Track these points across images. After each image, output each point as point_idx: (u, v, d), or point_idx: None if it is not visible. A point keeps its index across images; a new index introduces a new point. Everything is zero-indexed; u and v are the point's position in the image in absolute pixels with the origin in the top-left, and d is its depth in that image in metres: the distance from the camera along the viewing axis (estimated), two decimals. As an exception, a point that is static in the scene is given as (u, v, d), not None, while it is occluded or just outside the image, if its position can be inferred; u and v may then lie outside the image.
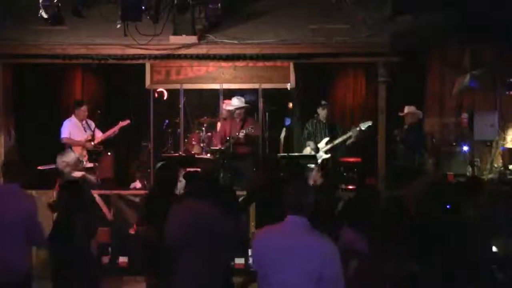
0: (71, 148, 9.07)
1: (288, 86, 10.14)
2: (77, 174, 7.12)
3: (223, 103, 9.77)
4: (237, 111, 9.08)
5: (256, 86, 10.23)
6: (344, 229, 4.86)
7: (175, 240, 4.80)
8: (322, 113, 9.23)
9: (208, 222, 4.72)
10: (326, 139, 9.10)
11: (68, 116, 9.31)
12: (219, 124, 9.93)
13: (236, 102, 9.19)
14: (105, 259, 8.03)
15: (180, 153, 9.79)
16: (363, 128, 8.83)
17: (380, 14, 8.50)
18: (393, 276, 4.79)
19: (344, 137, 8.95)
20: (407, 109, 8.88)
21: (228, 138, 8.83)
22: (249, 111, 9.36)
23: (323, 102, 9.26)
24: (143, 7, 7.58)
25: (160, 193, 5.90)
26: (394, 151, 8.81)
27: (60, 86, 10.41)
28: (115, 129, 9.41)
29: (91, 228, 5.85)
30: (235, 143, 8.78)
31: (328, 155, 9.05)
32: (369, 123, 8.83)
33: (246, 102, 9.26)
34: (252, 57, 8.57)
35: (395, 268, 4.80)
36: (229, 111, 9.34)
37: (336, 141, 9.01)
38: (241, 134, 8.89)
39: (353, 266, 4.53)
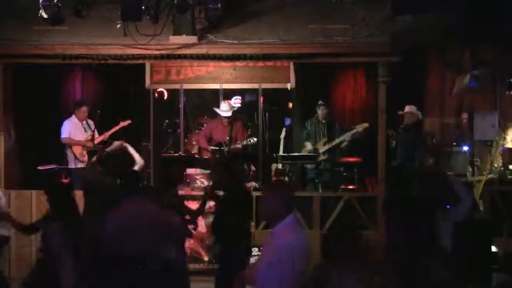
0: (70, 148, 9.11)
1: (288, 86, 10.14)
2: None
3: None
4: (224, 120, 9.15)
5: (256, 86, 10.24)
6: None
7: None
8: (319, 113, 9.24)
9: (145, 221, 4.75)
10: (325, 139, 9.11)
11: (68, 116, 9.31)
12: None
13: (224, 107, 9.21)
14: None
15: (180, 153, 9.80)
16: (359, 130, 8.83)
17: (380, 14, 8.49)
18: None
19: (341, 139, 8.95)
20: (407, 108, 8.88)
21: (222, 142, 8.99)
22: (236, 114, 9.45)
23: (319, 102, 9.27)
24: (143, 7, 7.57)
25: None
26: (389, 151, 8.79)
27: (60, 86, 10.41)
28: (116, 129, 9.42)
29: None
30: (230, 151, 8.87)
31: (326, 156, 9.05)
32: (365, 125, 8.83)
33: (246, 102, 9.27)
34: (252, 57, 8.55)
35: None
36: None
37: (334, 142, 9.01)
38: (239, 145, 8.96)
39: None
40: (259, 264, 4.15)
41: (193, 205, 8.12)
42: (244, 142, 9.01)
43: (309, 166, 9.06)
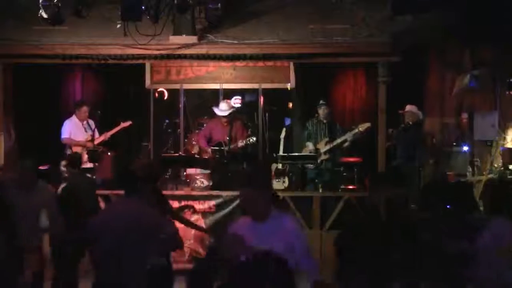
0: (71, 149, 9.11)
1: (288, 86, 10.14)
2: None
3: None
4: (224, 119, 9.12)
5: (256, 86, 10.25)
6: None
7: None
8: (321, 112, 9.24)
9: (134, 220, 4.73)
10: (326, 139, 9.10)
11: (68, 116, 9.31)
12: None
13: (223, 107, 9.18)
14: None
15: (180, 153, 9.80)
16: (361, 130, 8.82)
17: (380, 14, 8.50)
18: None
19: (342, 138, 8.94)
20: (408, 108, 8.88)
21: (221, 142, 8.96)
22: (236, 114, 9.40)
23: (320, 102, 9.27)
24: (143, 7, 7.58)
25: None
26: (388, 150, 8.79)
27: (60, 86, 10.41)
28: (116, 129, 9.42)
29: None
30: (230, 151, 8.86)
31: (328, 156, 9.04)
32: (367, 125, 8.82)
33: (246, 102, 9.24)
34: (252, 57, 8.57)
35: None
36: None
37: (335, 142, 9.01)
38: (240, 144, 8.94)
39: None
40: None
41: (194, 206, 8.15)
42: (244, 142, 8.99)
43: (310, 166, 9.05)
